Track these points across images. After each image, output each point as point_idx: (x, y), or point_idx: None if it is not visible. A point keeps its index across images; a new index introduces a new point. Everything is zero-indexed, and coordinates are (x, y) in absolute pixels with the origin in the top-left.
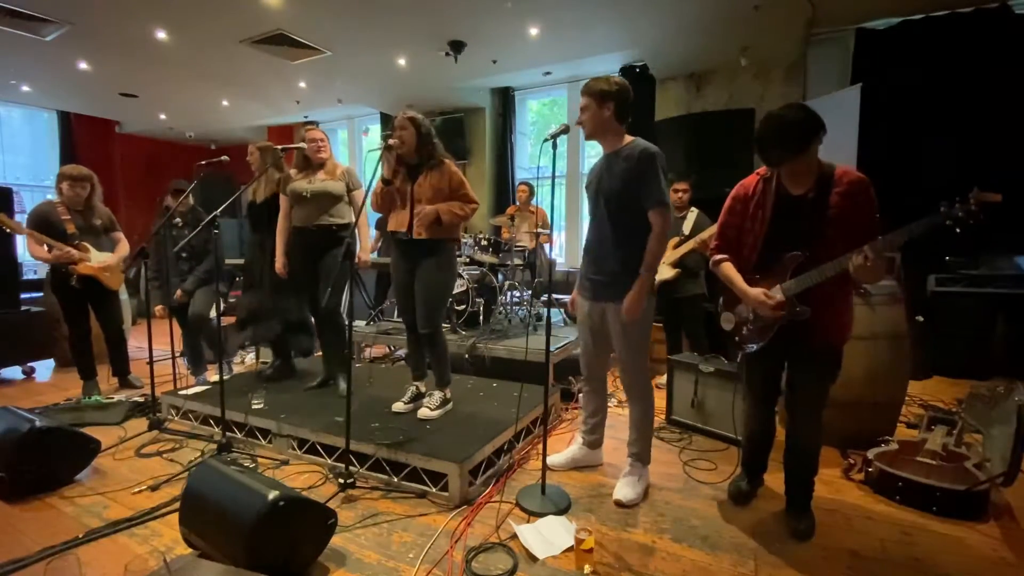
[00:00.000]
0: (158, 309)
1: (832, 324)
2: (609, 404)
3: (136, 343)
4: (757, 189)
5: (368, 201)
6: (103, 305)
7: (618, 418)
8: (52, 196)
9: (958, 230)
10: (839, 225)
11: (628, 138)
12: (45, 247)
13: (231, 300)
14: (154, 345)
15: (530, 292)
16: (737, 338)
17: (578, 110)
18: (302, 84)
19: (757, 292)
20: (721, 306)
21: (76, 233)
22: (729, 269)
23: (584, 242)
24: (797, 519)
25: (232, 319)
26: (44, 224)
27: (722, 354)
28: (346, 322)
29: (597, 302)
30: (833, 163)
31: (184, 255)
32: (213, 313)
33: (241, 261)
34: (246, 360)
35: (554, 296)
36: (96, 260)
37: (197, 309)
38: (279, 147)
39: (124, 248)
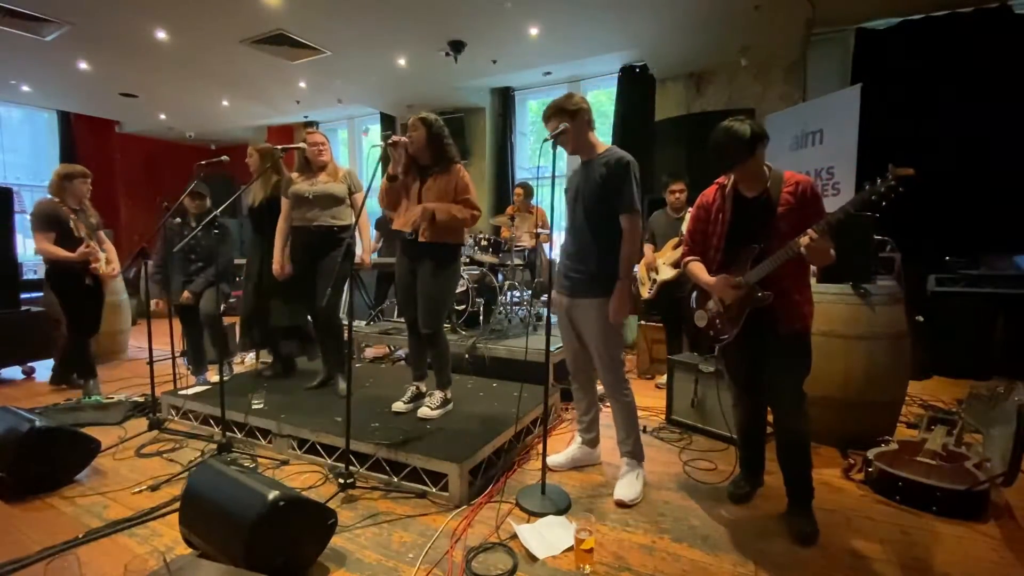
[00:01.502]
0: (159, 303)
1: (793, 312)
2: (607, 405)
3: (136, 343)
4: (717, 196)
5: (367, 201)
6: (97, 304)
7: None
8: (49, 197)
9: (884, 203)
10: (789, 219)
11: (603, 145)
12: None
13: (231, 300)
14: (154, 345)
15: (530, 292)
16: (712, 332)
17: None
18: (302, 84)
19: (718, 278)
20: (694, 304)
21: (87, 232)
22: (695, 267)
23: (562, 244)
24: (801, 521)
25: (233, 319)
26: (57, 223)
27: None
28: (344, 322)
29: (575, 298)
30: (780, 169)
31: (192, 256)
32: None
33: (241, 261)
34: (246, 360)
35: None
36: (105, 260)
37: (208, 309)
38: (279, 147)
39: (112, 249)
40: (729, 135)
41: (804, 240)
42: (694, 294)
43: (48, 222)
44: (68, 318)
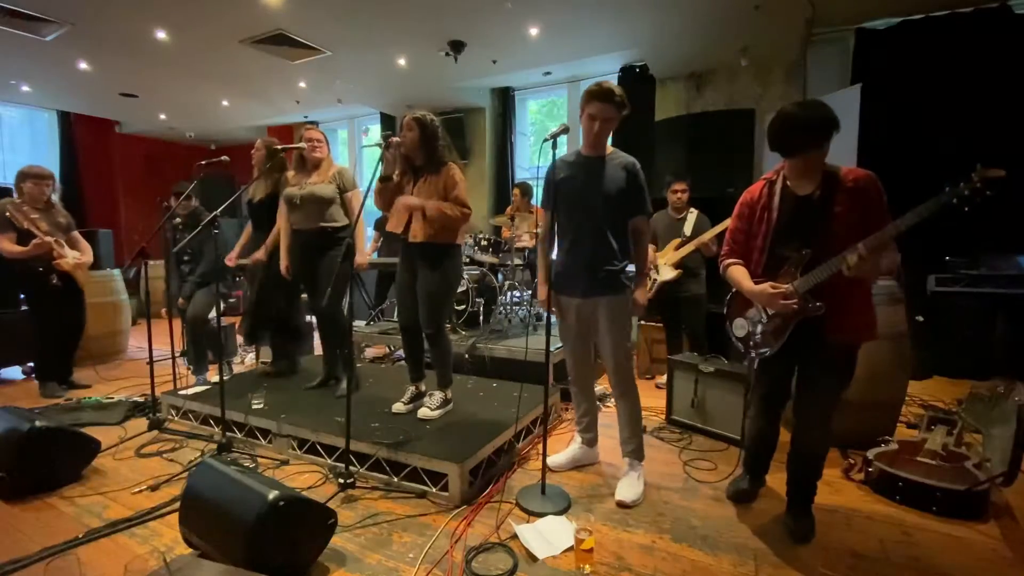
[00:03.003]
0: (163, 311)
1: (850, 323)
2: (607, 405)
3: (136, 343)
4: (764, 193)
5: (366, 201)
6: (71, 304)
7: (613, 417)
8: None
9: (966, 208)
10: (847, 221)
11: (609, 147)
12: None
13: (231, 300)
14: (154, 345)
15: (530, 292)
16: (751, 343)
17: (579, 109)
18: (302, 84)
19: (764, 286)
20: (732, 312)
21: (49, 230)
22: (737, 272)
23: (562, 241)
24: (797, 521)
25: (233, 319)
26: (12, 224)
27: (722, 354)
28: (347, 322)
29: (590, 297)
30: (837, 164)
31: (186, 257)
32: (212, 314)
33: (244, 261)
34: (246, 360)
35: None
36: (72, 256)
37: (196, 311)
38: (279, 147)
39: (87, 247)
40: (801, 117)
41: (852, 259)
42: (730, 300)
43: (3, 223)
44: (34, 320)
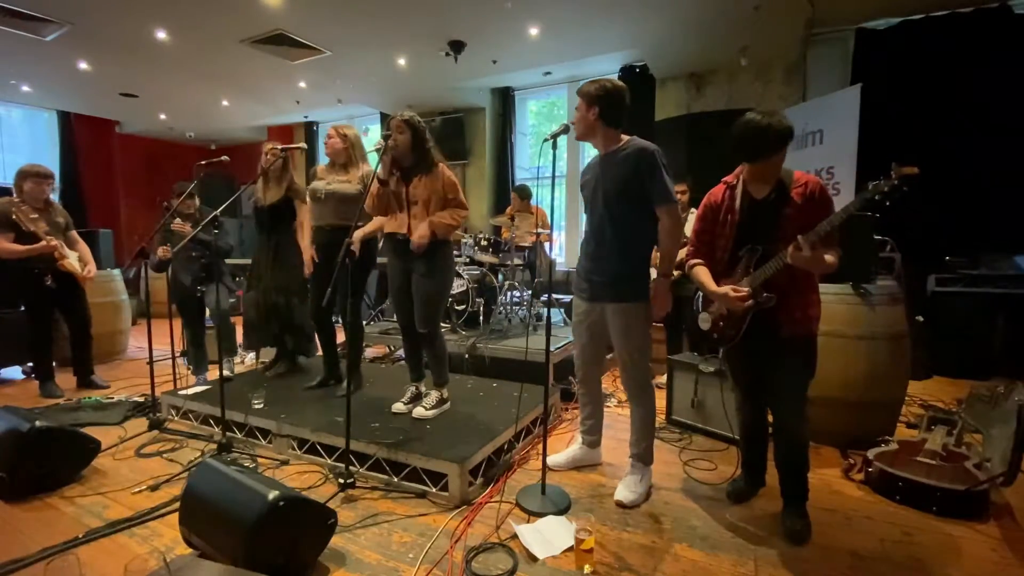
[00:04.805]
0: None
1: (797, 315)
2: (609, 404)
3: (136, 343)
4: (724, 196)
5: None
6: (74, 303)
7: (617, 418)
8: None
9: (888, 203)
10: (798, 221)
11: (624, 138)
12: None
13: (231, 300)
14: (154, 345)
15: (530, 292)
16: (716, 335)
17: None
18: (302, 84)
19: (725, 289)
20: (698, 307)
21: (48, 230)
22: (700, 273)
23: (581, 245)
24: (792, 521)
25: (233, 319)
26: (11, 222)
27: None
28: (349, 322)
29: (596, 302)
30: (790, 169)
31: (194, 254)
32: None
33: (242, 261)
34: (246, 360)
35: (554, 296)
36: (73, 257)
37: (225, 305)
38: (280, 147)
39: (85, 248)
40: (763, 126)
41: (792, 250)
42: (698, 296)
43: (4, 223)
44: (30, 320)
